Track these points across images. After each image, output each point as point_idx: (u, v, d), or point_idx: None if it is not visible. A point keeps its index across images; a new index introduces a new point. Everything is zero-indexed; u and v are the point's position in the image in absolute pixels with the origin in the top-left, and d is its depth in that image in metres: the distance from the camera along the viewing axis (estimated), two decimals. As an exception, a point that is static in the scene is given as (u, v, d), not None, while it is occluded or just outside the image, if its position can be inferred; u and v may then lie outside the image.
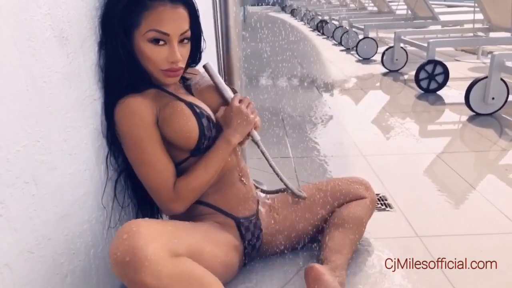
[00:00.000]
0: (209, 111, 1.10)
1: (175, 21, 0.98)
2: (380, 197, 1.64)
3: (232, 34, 1.42)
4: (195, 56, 1.15)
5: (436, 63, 3.20)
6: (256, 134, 1.17)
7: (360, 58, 4.93)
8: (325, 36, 7.37)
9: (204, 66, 1.13)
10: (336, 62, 4.87)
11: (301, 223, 1.24)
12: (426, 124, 2.64)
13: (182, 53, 1.02)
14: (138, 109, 1.00)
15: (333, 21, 7.00)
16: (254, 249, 1.17)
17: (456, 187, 1.72)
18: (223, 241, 1.05)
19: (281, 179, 1.23)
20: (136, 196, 1.17)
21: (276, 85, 3.79)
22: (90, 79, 0.98)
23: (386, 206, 1.57)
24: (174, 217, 1.12)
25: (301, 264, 1.24)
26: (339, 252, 1.16)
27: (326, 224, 1.26)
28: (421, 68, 3.23)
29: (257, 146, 1.19)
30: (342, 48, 5.89)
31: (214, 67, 1.16)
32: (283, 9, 15.26)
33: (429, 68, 3.22)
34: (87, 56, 0.96)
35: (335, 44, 6.33)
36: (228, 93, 1.14)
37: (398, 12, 6.41)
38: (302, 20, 10.57)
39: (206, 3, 1.52)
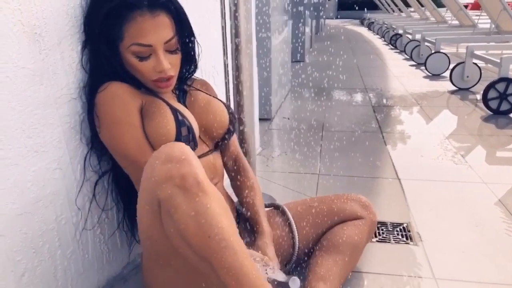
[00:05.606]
0: (193, 123, 1.03)
1: (156, 31, 0.93)
2: (403, 227, 1.44)
3: (242, 44, 1.34)
4: (190, 62, 1.10)
5: (510, 81, 2.83)
6: None
7: (429, 74, 4.56)
8: (397, 50, 6.99)
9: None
10: (402, 77, 4.55)
11: (287, 244, 1.12)
12: (485, 149, 2.31)
13: (171, 60, 0.98)
14: (121, 93, 0.95)
15: (407, 35, 6.62)
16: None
17: (501, 226, 1.46)
18: None
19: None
20: (122, 199, 1.14)
21: (328, 97, 3.63)
22: (69, 77, 0.97)
23: (407, 238, 1.37)
24: None
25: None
26: (326, 281, 1.03)
27: (316, 246, 1.13)
28: (490, 86, 2.87)
29: None
30: (413, 63, 5.52)
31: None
32: (362, 22, 14.86)
33: (500, 87, 2.85)
34: (66, 54, 0.95)
35: (406, 59, 5.96)
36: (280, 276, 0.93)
37: (481, 26, 5.87)
38: (377, 34, 10.18)
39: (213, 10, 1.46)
